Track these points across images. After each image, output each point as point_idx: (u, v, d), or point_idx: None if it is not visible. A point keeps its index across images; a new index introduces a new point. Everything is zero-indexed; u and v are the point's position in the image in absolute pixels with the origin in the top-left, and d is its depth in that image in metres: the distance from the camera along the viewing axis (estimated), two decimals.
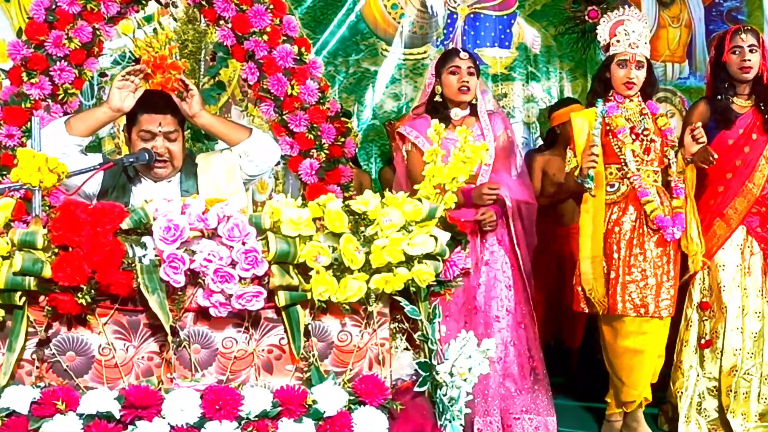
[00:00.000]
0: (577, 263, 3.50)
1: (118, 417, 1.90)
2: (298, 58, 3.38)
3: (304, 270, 2.01)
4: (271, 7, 3.35)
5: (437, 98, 3.41)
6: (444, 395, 2.10)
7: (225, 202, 2.03)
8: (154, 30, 4.90)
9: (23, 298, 1.93)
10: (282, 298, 1.99)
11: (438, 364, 2.11)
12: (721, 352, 3.52)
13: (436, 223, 2.08)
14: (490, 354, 2.17)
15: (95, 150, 3.69)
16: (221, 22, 3.34)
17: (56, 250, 1.92)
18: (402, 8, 5.76)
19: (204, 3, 3.35)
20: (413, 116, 3.53)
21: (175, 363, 2.01)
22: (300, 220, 1.99)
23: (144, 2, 3.43)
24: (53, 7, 3.27)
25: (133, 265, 1.94)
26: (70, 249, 1.91)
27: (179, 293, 1.98)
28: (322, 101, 3.41)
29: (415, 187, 2.21)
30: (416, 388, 2.10)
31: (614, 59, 3.40)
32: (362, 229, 2.05)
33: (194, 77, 4.81)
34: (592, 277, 3.42)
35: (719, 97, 3.58)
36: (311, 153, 3.41)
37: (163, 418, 1.90)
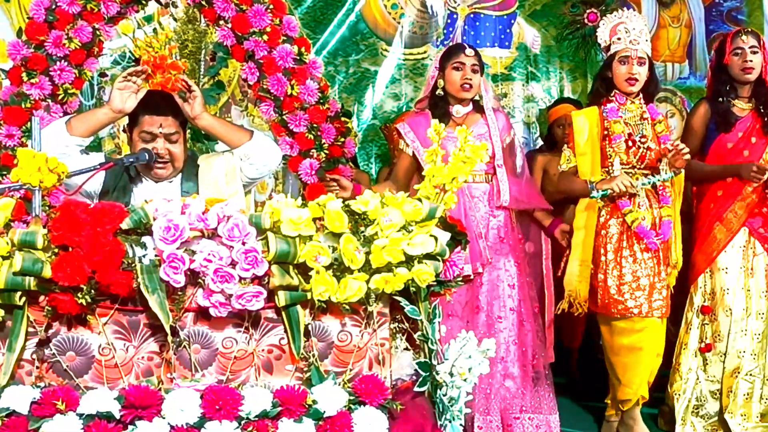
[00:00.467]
0: (566, 262, 3.50)
1: (118, 417, 1.90)
2: (298, 58, 3.37)
3: (304, 270, 2.01)
4: (271, 7, 3.35)
5: (439, 92, 3.40)
6: (444, 395, 2.10)
7: (225, 202, 2.03)
8: (154, 30, 4.89)
9: (23, 298, 1.93)
10: (282, 298, 1.99)
11: (438, 364, 2.11)
12: (725, 354, 3.52)
13: (436, 223, 2.08)
14: (490, 354, 2.17)
15: (95, 150, 3.69)
16: (221, 22, 3.34)
17: (56, 250, 1.92)
18: (402, 8, 5.76)
19: (204, 3, 3.34)
20: (415, 111, 3.52)
21: (175, 363, 2.01)
22: (300, 220, 1.99)
23: (144, 2, 3.42)
24: (53, 7, 3.27)
25: (133, 265, 1.94)
26: (70, 249, 1.91)
27: (179, 293, 1.98)
28: (322, 101, 3.40)
29: (416, 187, 2.21)
30: (416, 388, 2.10)
31: (616, 56, 3.39)
32: (362, 229, 2.05)
33: (194, 77, 4.81)
34: (576, 279, 3.42)
35: (720, 99, 3.58)
36: (311, 153, 3.41)
37: (163, 418, 1.90)
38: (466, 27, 5.81)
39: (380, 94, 5.77)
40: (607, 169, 3.38)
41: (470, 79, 3.33)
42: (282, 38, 3.36)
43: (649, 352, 3.40)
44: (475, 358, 2.12)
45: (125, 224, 1.96)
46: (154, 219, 1.96)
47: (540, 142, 5.44)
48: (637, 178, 3.35)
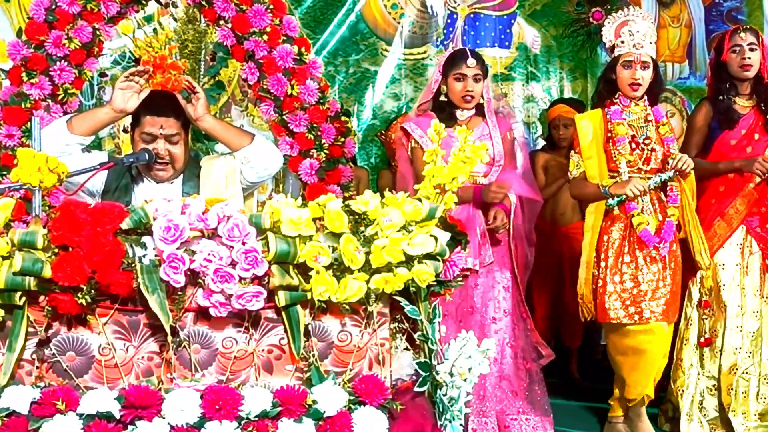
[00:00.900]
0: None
1: (118, 417, 1.89)
2: (298, 58, 3.38)
3: (304, 270, 2.01)
4: (271, 7, 3.35)
5: (442, 98, 3.40)
6: (444, 395, 2.10)
7: (225, 202, 2.03)
8: (154, 30, 4.89)
9: (23, 298, 1.93)
10: (282, 298, 1.99)
11: (438, 364, 2.11)
12: (721, 350, 3.53)
13: (436, 223, 2.08)
14: (490, 354, 2.17)
15: (96, 150, 3.69)
16: (221, 22, 3.34)
17: (56, 250, 1.92)
18: (402, 8, 5.77)
19: (204, 3, 3.35)
20: (417, 113, 3.51)
21: (175, 363, 2.01)
22: (300, 220, 1.99)
23: (144, 2, 3.43)
24: (53, 7, 3.27)
25: (133, 265, 1.94)
26: (70, 249, 1.91)
27: (179, 293, 1.98)
28: (322, 101, 3.41)
29: (415, 187, 2.21)
30: (416, 388, 2.10)
31: (619, 60, 3.39)
32: (362, 229, 2.05)
33: (194, 77, 4.81)
34: (583, 281, 3.43)
35: (721, 97, 3.58)
36: (311, 153, 3.41)
37: (163, 418, 1.90)
38: (466, 27, 5.82)
39: (380, 94, 5.77)
40: (614, 174, 3.36)
41: (471, 91, 3.34)
42: (282, 38, 3.36)
43: (654, 354, 3.38)
44: (474, 358, 2.12)
45: (125, 224, 1.96)
46: (154, 219, 1.96)
47: (541, 142, 5.45)
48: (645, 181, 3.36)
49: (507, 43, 5.85)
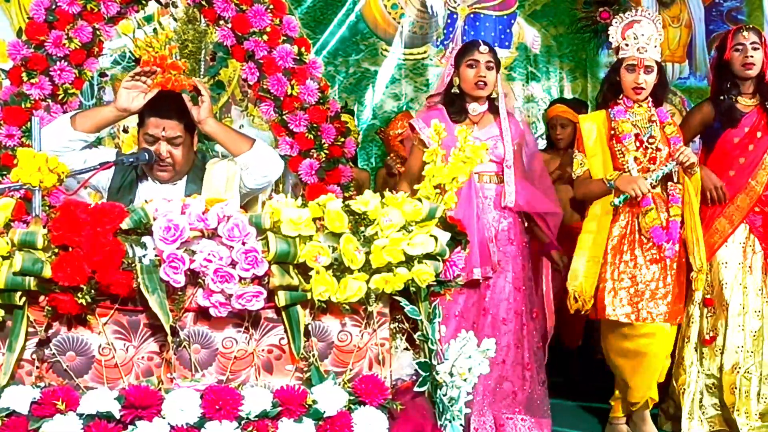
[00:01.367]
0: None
1: (118, 417, 1.89)
2: (298, 58, 3.38)
3: (304, 270, 2.01)
4: (271, 7, 3.35)
5: (455, 90, 3.39)
6: (444, 395, 2.10)
7: (225, 202, 2.03)
8: (154, 30, 4.90)
9: (23, 298, 1.93)
10: (282, 298, 1.99)
11: (438, 364, 2.11)
12: (722, 349, 3.52)
13: (436, 223, 2.08)
14: (490, 354, 2.17)
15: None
16: (221, 22, 3.35)
17: (56, 250, 1.92)
18: (402, 8, 5.77)
19: (204, 3, 3.35)
20: (428, 106, 3.50)
21: (175, 363, 2.01)
22: (300, 220, 1.98)
23: (144, 2, 3.43)
24: (53, 7, 3.28)
25: (133, 265, 1.94)
26: (70, 249, 1.91)
27: (179, 293, 1.98)
28: (322, 101, 3.41)
29: (415, 187, 2.21)
30: (416, 388, 2.10)
31: (623, 63, 3.39)
32: (362, 229, 2.05)
33: (194, 77, 4.81)
34: (583, 275, 3.41)
35: (723, 97, 3.58)
36: (311, 153, 3.41)
37: (163, 418, 1.90)
38: (466, 27, 5.82)
39: (380, 94, 5.78)
40: (621, 172, 3.36)
41: (484, 77, 3.30)
42: (282, 38, 3.36)
43: (655, 356, 3.37)
44: (475, 358, 2.12)
45: (125, 224, 1.95)
46: (154, 219, 1.96)
47: (541, 142, 5.45)
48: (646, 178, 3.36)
49: (507, 43, 5.86)
